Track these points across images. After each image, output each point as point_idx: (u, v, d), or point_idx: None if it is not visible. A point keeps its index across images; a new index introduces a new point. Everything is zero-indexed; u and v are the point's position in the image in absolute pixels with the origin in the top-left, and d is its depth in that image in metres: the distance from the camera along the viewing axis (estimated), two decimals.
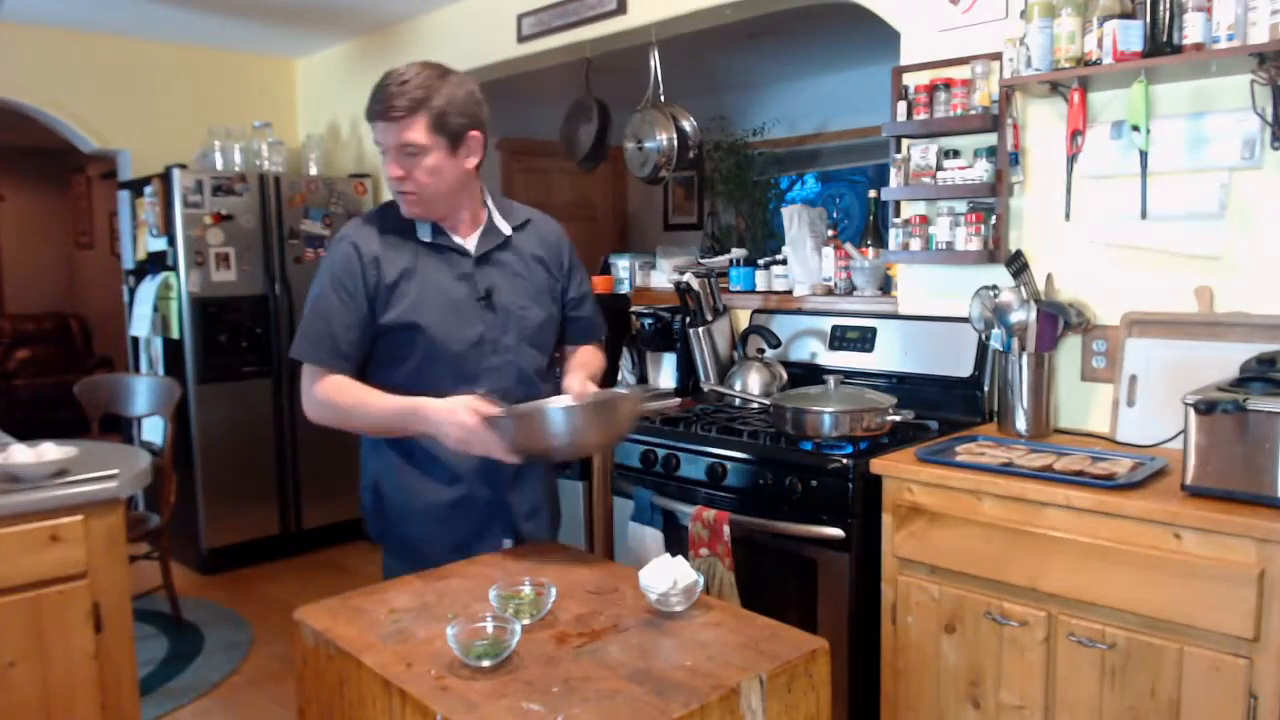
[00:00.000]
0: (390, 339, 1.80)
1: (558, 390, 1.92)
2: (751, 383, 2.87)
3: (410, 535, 1.88)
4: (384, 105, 1.72)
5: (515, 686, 1.22)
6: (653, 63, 3.59)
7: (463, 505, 1.86)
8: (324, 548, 4.71)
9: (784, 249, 3.21)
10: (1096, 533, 1.83)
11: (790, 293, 3.15)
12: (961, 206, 2.54)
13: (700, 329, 3.06)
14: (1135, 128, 2.14)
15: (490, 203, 1.92)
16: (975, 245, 2.47)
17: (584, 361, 2.05)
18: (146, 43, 4.71)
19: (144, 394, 3.73)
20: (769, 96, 6.39)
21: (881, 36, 2.97)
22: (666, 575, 1.46)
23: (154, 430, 4.01)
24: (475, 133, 1.81)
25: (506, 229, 1.90)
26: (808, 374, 2.83)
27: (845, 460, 2.20)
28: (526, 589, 1.45)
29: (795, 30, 4.82)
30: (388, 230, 1.83)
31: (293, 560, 4.57)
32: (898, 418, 2.32)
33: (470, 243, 1.87)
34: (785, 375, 2.89)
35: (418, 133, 1.73)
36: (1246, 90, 2.05)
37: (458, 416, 1.65)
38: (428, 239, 1.84)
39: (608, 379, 3.28)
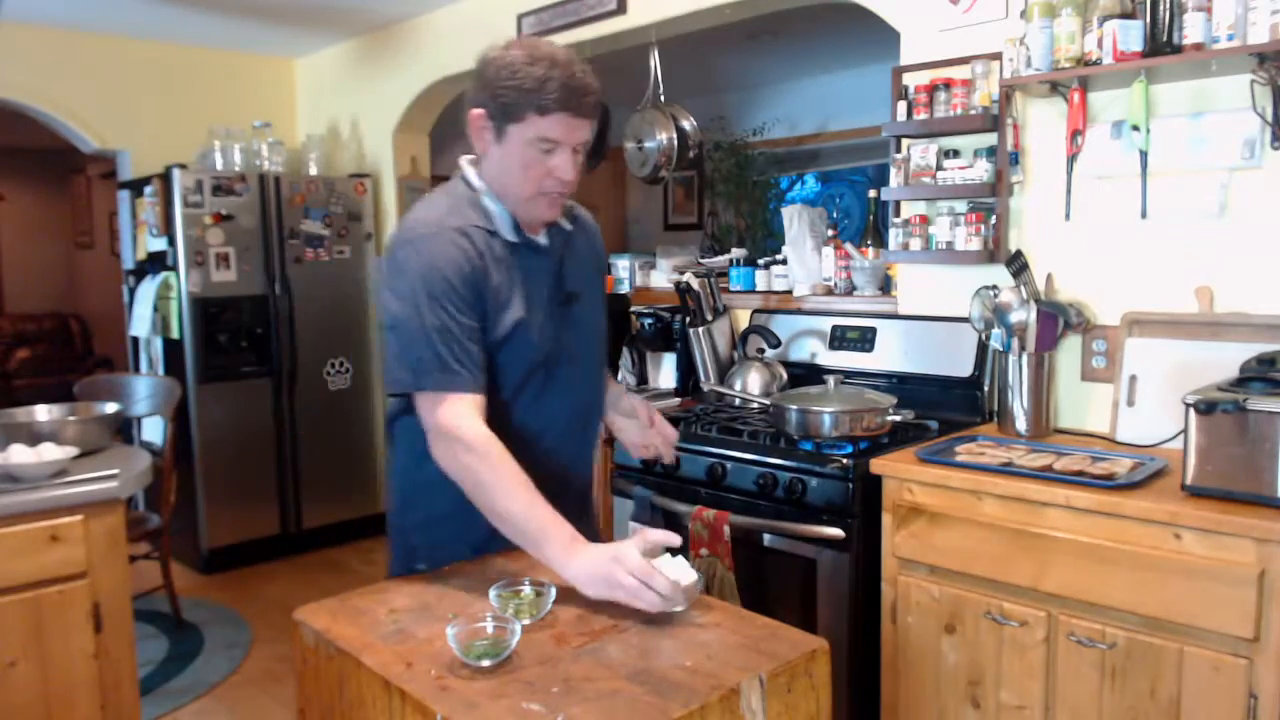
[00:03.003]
0: (492, 353, 1.57)
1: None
2: (751, 383, 2.87)
3: (432, 536, 1.67)
4: (583, 98, 1.50)
5: (515, 686, 1.22)
6: (653, 63, 3.59)
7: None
8: (324, 548, 4.71)
9: (784, 249, 3.21)
10: (1096, 533, 1.83)
11: (790, 293, 3.15)
12: (961, 206, 2.54)
13: (700, 329, 3.07)
14: (1135, 128, 2.15)
15: None
16: (975, 245, 2.47)
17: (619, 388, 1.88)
18: (146, 43, 4.71)
19: (144, 394, 3.72)
20: (769, 96, 6.39)
21: (881, 36, 2.97)
22: (668, 575, 1.45)
23: (154, 430, 4.01)
24: None
25: (566, 224, 1.69)
26: (808, 374, 2.83)
27: (845, 460, 2.20)
28: (526, 589, 1.45)
29: (795, 30, 4.82)
30: (476, 229, 1.57)
31: (293, 560, 4.57)
32: (898, 418, 2.32)
33: (541, 240, 1.64)
34: (785, 375, 2.89)
35: (590, 132, 1.54)
36: (1246, 90, 2.05)
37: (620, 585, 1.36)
38: (514, 238, 1.59)
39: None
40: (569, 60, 1.51)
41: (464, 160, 1.64)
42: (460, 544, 1.63)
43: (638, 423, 1.86)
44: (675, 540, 1.47)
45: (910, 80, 2.63)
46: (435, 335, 1.49)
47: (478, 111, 1.53)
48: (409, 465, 1.68)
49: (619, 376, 3.27)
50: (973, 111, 2.45)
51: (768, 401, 2.57)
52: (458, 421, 1.48)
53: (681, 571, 1.45)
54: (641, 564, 1.37)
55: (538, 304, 1.60)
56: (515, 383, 1.60)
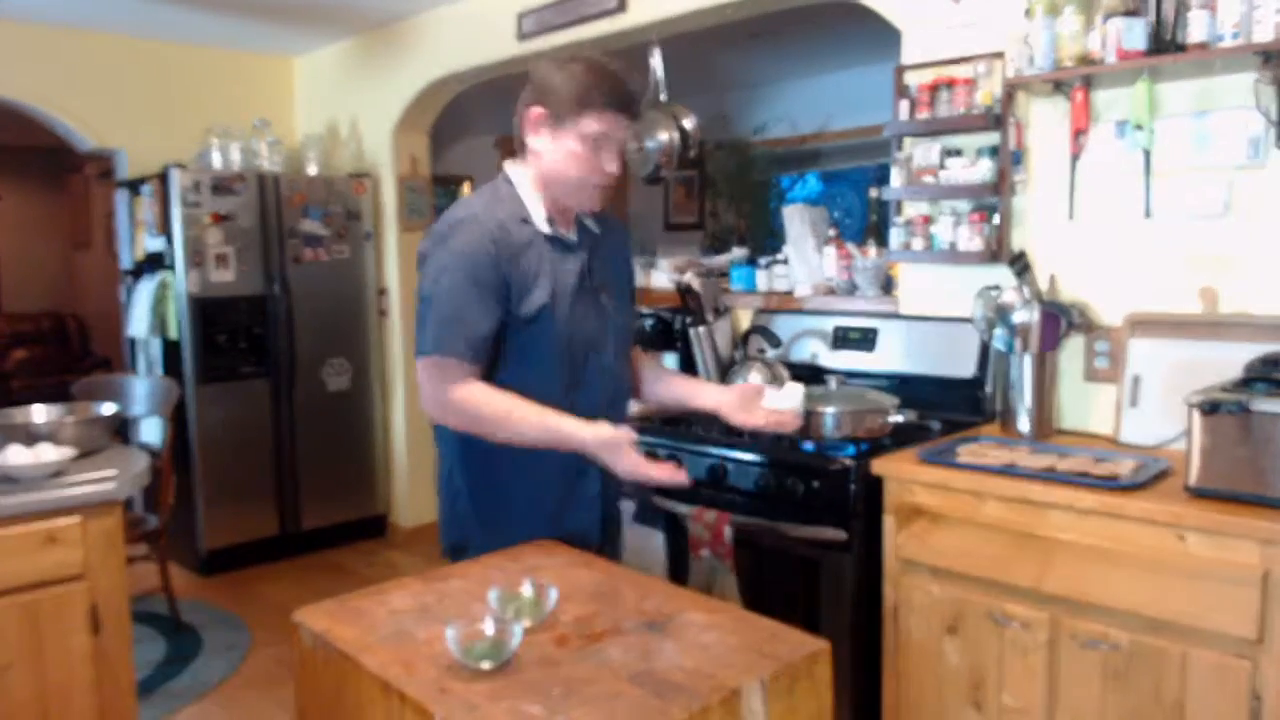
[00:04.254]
0: (519, 333, 1.72)
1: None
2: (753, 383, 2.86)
3: (510, 530, 1.78)
4: (632, 101, 1.73)
5: (515, 688, 1.21)
6: (653, 62, 3.58)
7: (568, 497, 1.81)
8: (323, 548, 4.70)
9: (785, 249, 3.20)
10: (1099, 534, 1.83)
11: (791, 293, 3.14)
12: (964, 206, 2.53)
13: (701, 329, 3.05)
14: (1139, 127, 2.14)
15: None
16: (978, 245, 2.47)
17: (659, 363, 2.10)
18: (145, 42, 4.70)
19: (142, 394, 3.71)
20: (770, 95, 6.39)
21: (883, 35, 2.96)
22: (792, 397, 1.78)
23: (152, 431, 3.99)
24: None
25: (595, 227, 1.85)
26: (809, 374, 2.82)
27: (847, 461, 2.19)
28: (527, 590, 1.44)
29: (796, 29, 4.81)
30: (511, 220, 1.73)
31: (292, 561, 4.56)
32: (900, 418, 2.31)
33: (573, 237, 1.80)
34: (787, 375, 2.87)
35: (631, 132, 1.76)
36: (1251, 89, 2.04)
37: (624, 457, 1.62)
38: (548, 230, 1.75)
39: None
40: (619, 69, 1.73)
41: (507, 162, 1.82)
42: (509, 512, 1.81)
43: (730, 400, 1.88)
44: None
45: (912, 79, 2.62)
46: (449, 311, 1.67)
47: (537, 110, 1.71)
48: (454, 442, 1.82)
49: None
50: (975, 111, 2.44)
51: None
52: (451, 391, 1.67)
53: (791, 401, 1.80)
54: (631, 459, 1.63)
55: (564, 292, 1.74)
56: (549, 369, 1.73)
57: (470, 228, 1.70)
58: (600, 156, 1.71)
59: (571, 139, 1.70)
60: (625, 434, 1.64)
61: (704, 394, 1.94)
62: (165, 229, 4.28)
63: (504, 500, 1.80)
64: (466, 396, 1.67)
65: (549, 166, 1.73)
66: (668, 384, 2.02)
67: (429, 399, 1.72)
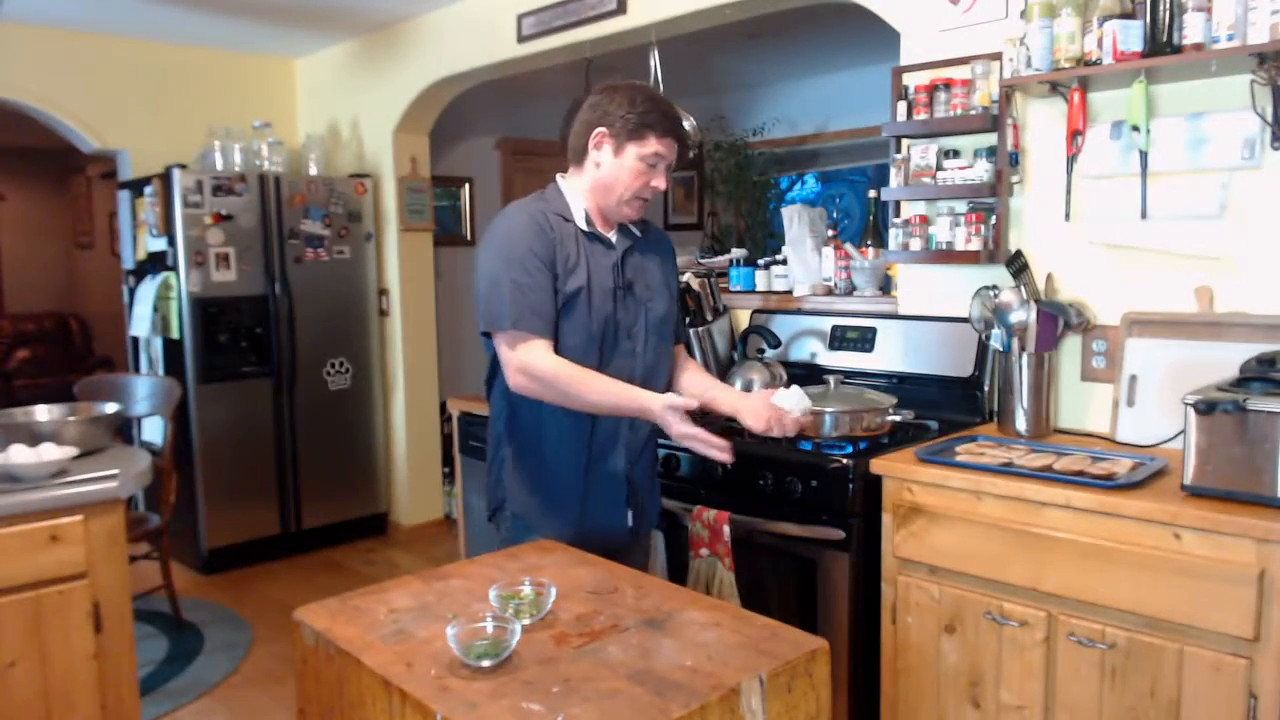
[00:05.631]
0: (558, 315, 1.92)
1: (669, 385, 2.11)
2: (752, 383, 2.87)
3: (541, 497, 2.01)
4: (683, 128, 1.99)
5: (515, 686, 1.22)
6: (653, 63, 3.59)
7: (594, 470, 2.00)
8: (324, 548, 4.71)
9: (784, 249, 3.21)
10: (1096, 533, 1.83)
11: (790, 293, 3.15)
12: (961, 206, 2.54)
13: (700, 329, 3.06)
14: (1135, 128, 2.15)
15: None
16: (975, 245, 2.47)
17: (697, 365, 2.25)
18: (146, 43, 4.71)
19: (144, 394, 3.72)
20: (769, 96, 6.40)
21: (881, 36, 2.97)
22: (795, 399, 1.89)
23: (154, 430, 4.01)
24: None
25: (637, 232, 2.05)
26: (808, 374, 2.83)
27: (845, 460, 2.20)
28: (526, 589, 1.45)
29: (795, 30, 4.82)
30: (553, 214, 1.96)
31: (293, 560, 4.57)
32: (898, 418, 2.32)
33: (611, 237, 2.01)
34: (785, 375, 2.88)
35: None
36: (1246, 90, 2.05)
37: (677, 425, 1.83)
38: (585, 228, 1.97)
39: None
40: (672, 101, 2.02)
41: (558, 176, 2.05)
42: (542, 477, 2.01)
43: (746, 407, 2.00)
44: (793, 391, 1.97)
45: (910, 80, 2.63)
46: (514, 289, 1.87)
47: (602, 129, 1.94)
48: (502, 411, 2.05)
49: None
50: (973, 112, 2.45)
51: None
52: (530, 359, 1.86)
53: (794, 402, 1.89)
54: (683, 428, 1.84)
55: (597, 282, 1.94)
56: (579, 350, 1.92)
57: (516, 215, 1.95)
58: (652, 173, 1.94)
59: (632, 157, 1.92)
60: (683, 402, 1.85)
61: (724, 399, 2.06)
62: (167, 229, 4.29)
63: (539, 467, 2.01)
64: (556, 367, 1.86)
65: (606, 177, 1.94)
66: (694, 381, 2.14)
67: (514, 369, 1.89)
